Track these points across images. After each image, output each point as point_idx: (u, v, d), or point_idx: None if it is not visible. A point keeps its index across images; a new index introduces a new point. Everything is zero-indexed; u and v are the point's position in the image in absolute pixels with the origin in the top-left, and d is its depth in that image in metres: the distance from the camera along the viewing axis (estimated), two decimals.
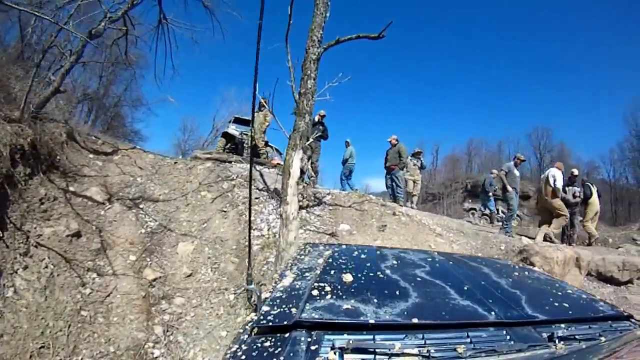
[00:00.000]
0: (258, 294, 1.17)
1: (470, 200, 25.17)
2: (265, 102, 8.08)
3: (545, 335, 1.00)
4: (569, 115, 56.53)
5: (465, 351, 0.87)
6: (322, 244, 1.77)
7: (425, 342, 0.89)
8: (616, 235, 12.86)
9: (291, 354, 0.81)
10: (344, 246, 1.77)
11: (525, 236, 7.75)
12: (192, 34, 7.27)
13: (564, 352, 0.92)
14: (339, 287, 1.13)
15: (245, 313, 3.57)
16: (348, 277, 1.21)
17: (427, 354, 0.84)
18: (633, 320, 1.29)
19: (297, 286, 1.16)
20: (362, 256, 1.52)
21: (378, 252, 1.63)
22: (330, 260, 1.44)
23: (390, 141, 8.43)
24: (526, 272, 1.69)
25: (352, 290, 1.13)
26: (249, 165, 6.17)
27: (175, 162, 6.53)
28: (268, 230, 4.95)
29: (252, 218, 4.86)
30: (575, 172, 8.26)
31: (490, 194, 10.35)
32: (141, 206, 5.03)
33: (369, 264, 1.40)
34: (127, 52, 7.29)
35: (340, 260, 1.43)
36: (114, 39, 7.30)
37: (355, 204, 6.05)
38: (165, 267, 4.26)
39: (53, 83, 5.24)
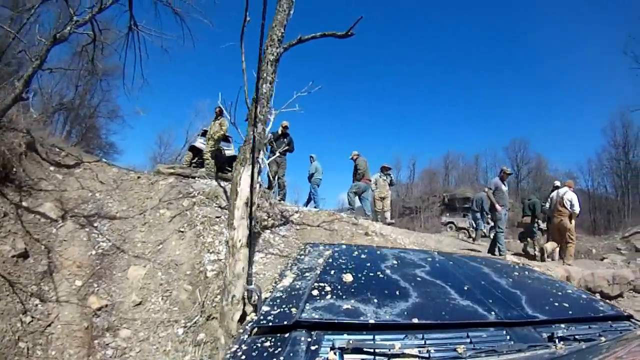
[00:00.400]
0: (258, 294, 1.17)
1: (447, 214, 25.29)
2: (222, 109, 7.33)
3: (545, 335, 1.00)
4: (546, 127, 57.21)
5: (465, 351, 0.87)
6: (322, 243, 1.77)
7: (425, 342, 0.89)
8: (599, 245, 12.46)
9: (291, 354, 0.81)
10: (344, 246, 1.77)
11: (514, 253, 7.65)
12: (162, 42, 6.98)
13: (564, 352, 0.92)
14: (339, 287, 1.14)
15: (193, 350, 3.30)
16: (348, 277, 1.21)
17: (427, 354, 0.84)
18: (633, 320, 1.29)
19: (297, 286, 1.16)
20: (362, 256, 1.52)
21: (378, 252, 1.63)
22: (330, 260, 1.44)
23: (351, 158, 8.42)
24: (526, 272, 1.69)
25: (352, 290, 1.13)
26: (213, 181, 6.13)
27: (138, 177, 6.16)
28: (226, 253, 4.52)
29: (211, 240, 4.54)
30: (558, 183, 8.11)
31: (481, 213, 10.14)
32: (96, 224, 4.73)
33: (369, 264, 1.40)
34: (94, 60, 7.00)
35: (340, 260, 1.43)
36: (82, 46, 7.00)
37: (324, 223, 5.77)
38: (114, 293, 3.95)
39: (15, 90, 5.06)
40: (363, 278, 1.24)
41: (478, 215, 10.20)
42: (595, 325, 1.15)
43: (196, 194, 5.65)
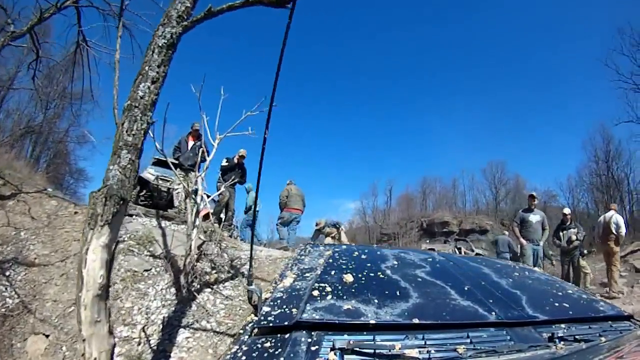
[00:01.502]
0: (259, 294, 1.17)
1: (427, 241, 24.88)
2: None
3: (545, 335, 1.00)
4: (523, 146, 57.25)
5: (466, 351, 0.87)
6: (322, 244, 1.77)
7: (425, 342, 0.90)
8: (594, 268, 10.40)
9: (291, 355, 0.81)
10: (344, 246, 1.77)
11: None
12: (110, 58, 6.29)
13: (564, 352, 0.92)
14: (340, 287, 1.14)
15: None
16: (348, 278, 1.21)
17: (428, 355, 0.84)
18: (633, 320, 1.29)
19: (298, 287, 1.16)
20: (363, 256, 1.52)
21: (378, 253, 1.63)
22: (331, 260, 1.44)
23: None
24: (526, 272, 1.69)
25: (353, 290, 1.13)
26: (153, 220, 5.22)
27: (75, 212, 5.35)
28: (144, 327, 3.37)
29: (129, 305, 3.66)
30: (567, 211, 7.05)
31: (513, 255, 8.78)
32: (8, 273, 3.97)
33: (369, 265, 1.40)
34: (35, 77, 6.38)
35: (341, 261, 1.43)
36: (29, 62, 6.40)
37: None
38: None
39: None
40: (363, 278, 1.24)
41: (507, 256, 8.76)
42: (595, 325, 1.15)
43: (126, 238, 4.63)
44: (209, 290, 3.96)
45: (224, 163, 6.91)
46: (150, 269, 4.19)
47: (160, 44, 2.11)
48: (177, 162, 6.16)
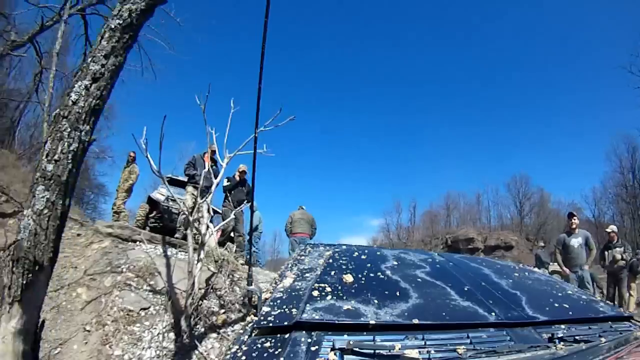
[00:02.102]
0: (258, 294, 1.17)
1: None
2: (135, 155, 6.00)
3: (545, 336, 1.00)
4: (547, 159, 56.00)
5: (466, 352, 0.87)
6: (322, 244, 1.77)
7: (425, 342, 0.89)
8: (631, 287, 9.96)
9: (291, 355, 0.81)
10: (344, 246, 1.77)
11: None
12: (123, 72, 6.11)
13: (564, 352, 0.92)
14: (340, 287, 1.13)
15: None
16: (348, 278, 1.21)
17: (427, 355, 0.84)
18: (633, 321, 1.29)
19: (298, 287, 1.16)
20: (363, 257, 1.52)
21: (378, 253, 1.63)
22: (331, 260, 1.44)
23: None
24: (526, 273, 1.69)
25: (353, 290, 1.13)
26: (160, 247, 4.68)
27: (78, 235, 4.88)
28: None
29: (119, 353, 3.25)
30: (612, 229, 6.34)
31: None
32: None
33: (369, 265, 1.40)
34: (37, 89, 5.93)
35: (341, 261, 1.43)
36: (35, 74, 6.06)
37: None
38: None
39: None
40: (363, 279, 1.24)
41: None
42: (595, 325, 1.15)
43: (124, 269, 4.11)
44: (215, 335, 3.42)
45: (226, 183, 6.50)
46: (149, 307, 3.65)
47: (113, 26, 1.53)
48: (190, 180, 5.88)
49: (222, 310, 3.73)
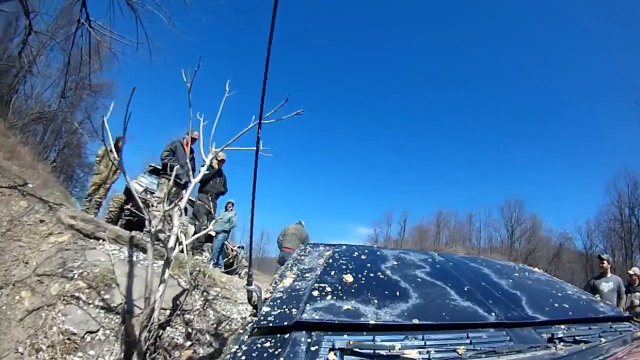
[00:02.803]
0: (259, 294, 1.17)
1: None
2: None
3: (545, 336, 1.00)
4: (542, 186, 55.92)
5: (466, 352, 0.87)
6: (322, 244, 1.77)
7: (425, 343, 0.89)
8: None
9: (291, 355, 0.81)
10: (344, 246, 1.77)
11: None
12: (112, 43, 5.58)
13: (564, 353, 0.92)
14: (339, 287, 1.13)
15: None
16: (348, 278, 1.21)
17: (427, 355, 0.84)
18: (633, 321, 1.29)
19: (298, 287, 1.16)
20: (363, 257, 1.52)
21: (378, 253, 1.62)
22: (331, 260, 1.44)
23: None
24: (526, 273, 1.69)
25: (353, 291, 1.13)
26: (125, 249, 3.90)
27: (41, 221, 4.19)
28: None
29: None
30: (636, 271, 5.62)
31: None
32: None
33: (369, 265, 1.40)
34: (23, 52, 5.63)
35: (341, 261, 1.43)
36: (23, 38, 5.58)
37: None
38: None
39: None
40: (363, 279, 1.24)
41: None
42: (595, 326, 1.15)
43: (77, 274, 3.34)
44: None
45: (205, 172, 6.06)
46: (97, 330, 2.85)
47: None
48: (165, 171, 5.01)
49: (189, 343, 2.92)
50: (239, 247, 8.81)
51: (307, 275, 1.27)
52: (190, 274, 3.69)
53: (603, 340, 1.03)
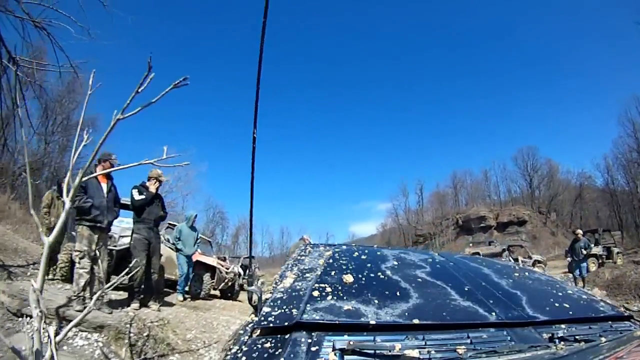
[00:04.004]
0: (259, 294, 1.17)
1: (471, 243, 22.70)
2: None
3: (545, 335, 1.00)
4: (554, 128, 55.05)
5: (466, 352, 0.87)
6: (322, 244, 1.77)
7: (425, 342, 0.89)
8: None
9: (291, 355, 0.81)
10: (344, 246, 1.77)
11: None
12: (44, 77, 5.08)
13: (564, 352, 0.92)
14: (340, 287, 1.13)
15: None
16: (349, 278, 1.21)
17: (428, 355, 0.84)
18: (633, 320, 1.29)
19: (298, 287, 1.16)
20: (363, 257, 1.52)
21: (378, 253, 1.63)
22: (331, 260, 1.44)
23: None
24: (526, 273, 1.69)
25: (353, 291, 1.13)
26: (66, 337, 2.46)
27: None
28: None
29: None
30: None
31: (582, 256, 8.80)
32: None
33: (369, 265, 1.40)
34: None
35: (341, 261, 1.43)
36: None
37: None
38: None
39: None
40: (363, 279, 1.24)
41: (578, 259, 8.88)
42: (595, 325, 1.15)
43: None
44: None
45: (137, 197, 4.66)
46: None
47: None
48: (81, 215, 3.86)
49: None
50: (241, 265, 8.42)
51: (307, 275, 1.27)
52: (132, 345, 2.80)
53: (603, 339, 1.03)
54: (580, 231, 9.18)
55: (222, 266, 7.82)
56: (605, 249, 15.17)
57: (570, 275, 9.34)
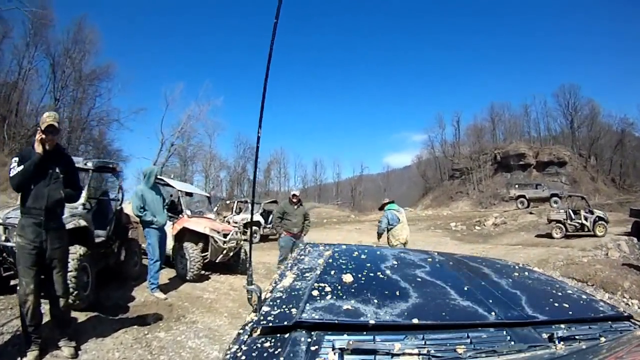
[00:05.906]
0: (258, 294, 1.17)
1: (516, 185, 20.28)
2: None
3: (545, 335, 1.00)
4: (597, 67, 50.64)
5: (466, 352, 0.87)
6: (322, 244, 1.78)
7: (425, 342, 0.89)
8: None
9: (291, 355, 0.81)
10: (344, 246, 1.77)
11: None
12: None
13: (564, 352, 0.92)
14: (339, 287, 1.14)
15: None
16: (348, 278, 1.21)
17: (427, 355, 0.84)
18: (633, 320, 1.29)
19: (297, 286, 1.16)
20: (362, 256, 1.52)
21: (378, 253, 1.63)
22: (331, 260, 1.44)
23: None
24: (526, 273, 1.69)
25: (352, 290, 1.13)
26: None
27: None
28: None
29: None
30: None
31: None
32: None
33: (369, 264, 1.40)
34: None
35: (341, 261, 1.43)
36: None
37: None
38: None
39: None
40: (363, 278, 1.24)
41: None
42: (595, 325, 1.15)
43: None
44: None
45: (15, 164, 2.62)
46: None
47: None
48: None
49: None
50: (262, 212, 6.63)
51: (306, 275, 1.27)
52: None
53: (603, 339, 1.03)
54: None
55: (220, 232, 5.85)
56: None
57: (635, 239, 8.23)
